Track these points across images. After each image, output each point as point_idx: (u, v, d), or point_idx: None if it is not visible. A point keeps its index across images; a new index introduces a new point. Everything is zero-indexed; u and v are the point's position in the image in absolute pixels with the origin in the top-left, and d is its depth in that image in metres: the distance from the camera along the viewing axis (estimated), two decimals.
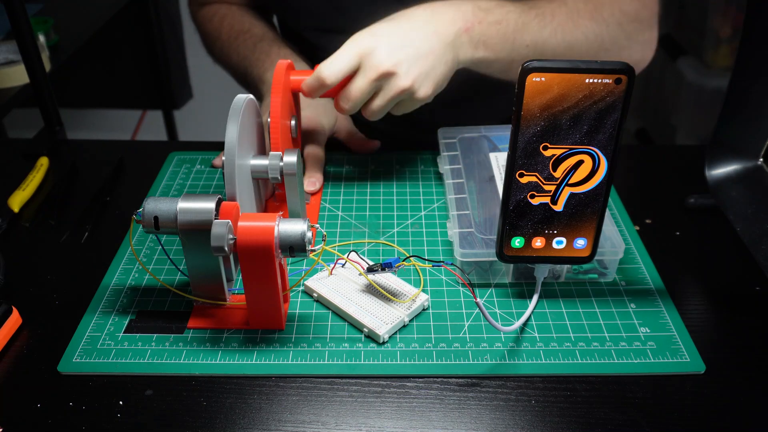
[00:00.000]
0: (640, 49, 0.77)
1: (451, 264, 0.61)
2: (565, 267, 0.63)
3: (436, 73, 0.67)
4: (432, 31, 0.66)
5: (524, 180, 0.54)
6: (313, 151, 0.78)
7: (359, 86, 0.66)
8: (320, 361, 0.55)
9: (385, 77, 0.66)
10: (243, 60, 0.88)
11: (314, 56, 0.93)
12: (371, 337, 0.57)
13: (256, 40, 0.88)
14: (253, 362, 0.55)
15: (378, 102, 0.68)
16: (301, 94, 0.72)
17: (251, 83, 0.87)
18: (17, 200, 0.75)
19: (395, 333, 0.58)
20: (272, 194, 0.75)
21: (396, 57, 0.65)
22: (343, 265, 0.64)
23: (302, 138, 0.78)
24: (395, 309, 0.59)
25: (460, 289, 0.63)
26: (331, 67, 0.66)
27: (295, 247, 0.54)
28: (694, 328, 0.59)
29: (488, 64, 0.71)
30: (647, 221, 0.72)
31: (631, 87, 0.51)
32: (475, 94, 0.89)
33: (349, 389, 0.54)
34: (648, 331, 0.58)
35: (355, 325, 0.59)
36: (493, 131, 0.78)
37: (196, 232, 0.55)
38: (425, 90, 0.67)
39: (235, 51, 0.89)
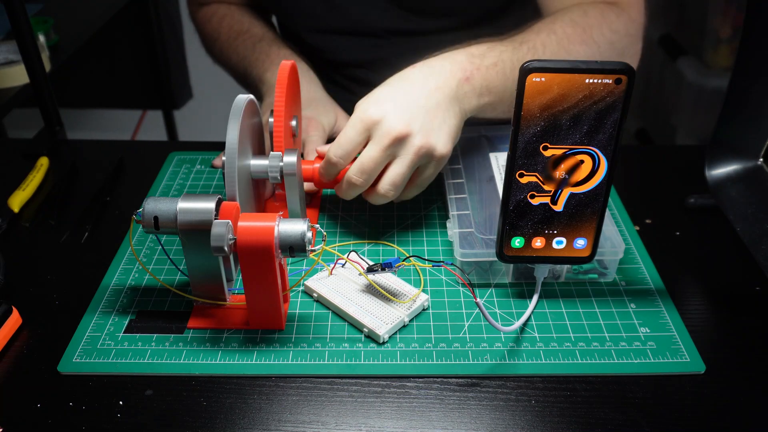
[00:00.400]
0: (629, 62, 0.77)
1: (451, 264, 0.61)
2: (565, 267, 0.63)
3: (449, 126, 0.64)
4: (433, 87, 0.64)
5: (524, 180, 0.54)
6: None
7: (371, 155, 0.62)
8: (320, 361, 0.55)
9: (399, 141, 0.62)
10: (242, 60, 0.88)
11: (313, 56, 0.93)
12: (371, 337, 0.57)
13: (256, 40, 0.88)
14: (253, 362, 0.55)
15: (396, 168, 0.63)
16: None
17: (251, 83, 0.87)
18: (17, 200, 0.75)
19: (395, 333, 0.58)
20: (272, 194, 0.75)
21: (405, 118, 0.62)
22: (343, 265, 0.64)
23: (303, 138, 0.78)
24: (395, 309, 0.59)
25: (460, 289, 0.63)
26: (339, 150, 0.64)
27: (295, 247, 0.54)
28: (694, 328, 0.59)
29: (493, 107, 0.68)
30: (647, 221, 0.72)
31: (631, 87, 0.51)
32: None
33: (349, 389, 0.54)
34: (648, 331, 0.58)
35: (355, 325, 0.59)
36: (493, 131, 0.78)
37: (196, 232, 0.55)
38: (443, 146, 0.63)
39: (234, 51, 0.89)
